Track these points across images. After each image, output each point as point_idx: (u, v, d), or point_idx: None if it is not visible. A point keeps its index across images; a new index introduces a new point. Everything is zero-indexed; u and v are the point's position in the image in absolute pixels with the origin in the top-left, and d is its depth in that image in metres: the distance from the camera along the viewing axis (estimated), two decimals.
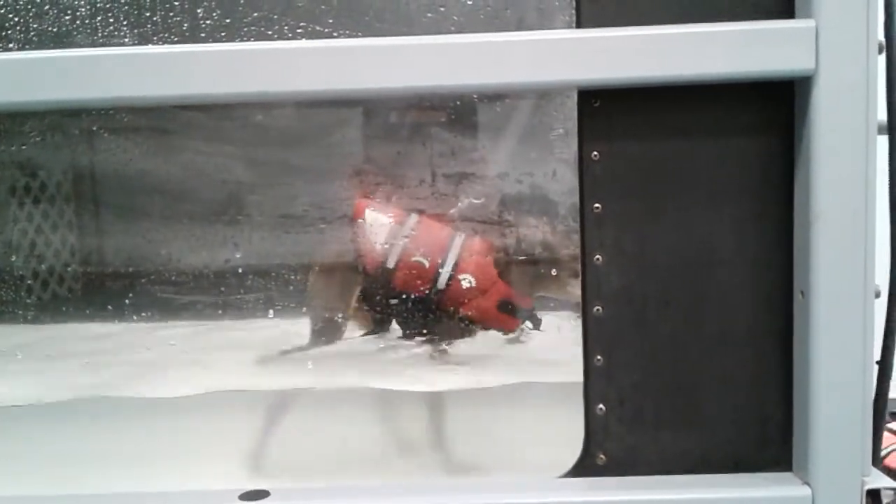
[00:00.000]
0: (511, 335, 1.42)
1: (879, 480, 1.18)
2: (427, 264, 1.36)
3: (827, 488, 1.17)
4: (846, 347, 1.14)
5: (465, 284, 1.36)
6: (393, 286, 1.38)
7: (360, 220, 1.36)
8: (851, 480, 1.17)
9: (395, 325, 1.42)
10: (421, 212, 1.36)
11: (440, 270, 1.36)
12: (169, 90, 1.13)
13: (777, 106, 1.18)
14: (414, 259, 1.36)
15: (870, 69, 1.10)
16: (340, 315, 1.42)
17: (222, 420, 1.39)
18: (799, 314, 1.19)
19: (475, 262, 1.36)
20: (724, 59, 1.10)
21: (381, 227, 1.36)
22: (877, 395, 1.20)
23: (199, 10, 1.22)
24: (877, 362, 1.20)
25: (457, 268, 1.36)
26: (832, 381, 1.15)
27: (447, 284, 1.36)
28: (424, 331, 1.39)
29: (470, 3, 1.23)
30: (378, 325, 1.42)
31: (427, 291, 1.37)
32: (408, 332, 1.41)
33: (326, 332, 1.42)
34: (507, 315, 1.40)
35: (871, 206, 1.12)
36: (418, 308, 1.39)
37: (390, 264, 1.36)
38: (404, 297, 1.38)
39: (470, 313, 1.38)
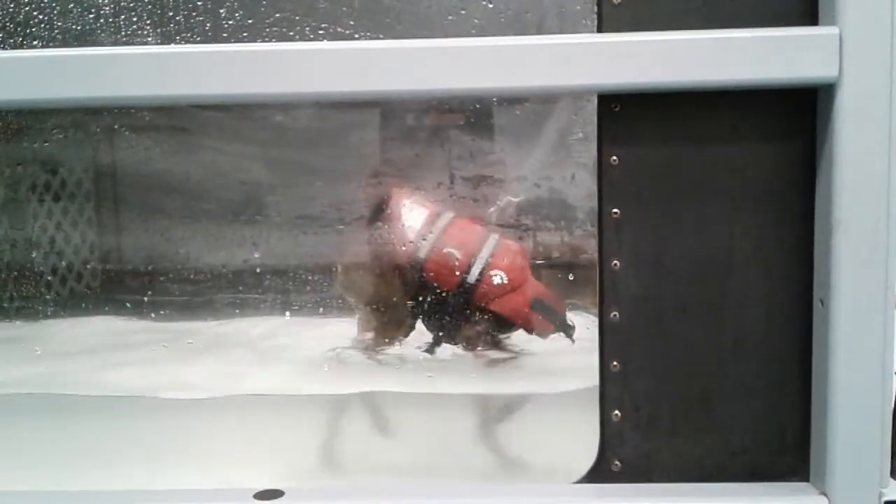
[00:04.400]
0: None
1: None
2: (459, 257, 1.36)
3: (844, 499, 1.16)
4: (865, 357, 1.13)
5: (496, 280, 1.36)
6: (424, 279, 1.38)
7: (393, 214, 1.36)
8: (869, 492, 1.16)
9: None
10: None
11: (471, 267, 1.36)
12: (188, 90, 1.14)
13: (799, 112, 1.17)
14: (445, 250, 1.36)
15: (894, 76, 1.09)
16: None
17: None
18: (818, 323, 1.18)
19: (507, 260, 1.36)
20: (747, 66, 1.10)
21: (415, 221, 1.35)
22: None
23: (221, 11, 1.23)
24: None
25: (489, 264, 1.35)
26: (851, 391, 1.14)
27: (478, 279, 1.35)
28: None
29: (491, 6, 1.23)
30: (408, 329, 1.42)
31: (458, 285, 1.36)
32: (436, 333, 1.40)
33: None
34: (539, 315, 1.39)
35: (892, 215, 1.12)
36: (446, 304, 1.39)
37: (421, 256, 1.36)
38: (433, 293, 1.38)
39: (501, 310, 1.37)
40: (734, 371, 1.22)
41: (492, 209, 1.35)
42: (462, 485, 1.34)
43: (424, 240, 1.36)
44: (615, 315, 1.22)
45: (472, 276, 1.36)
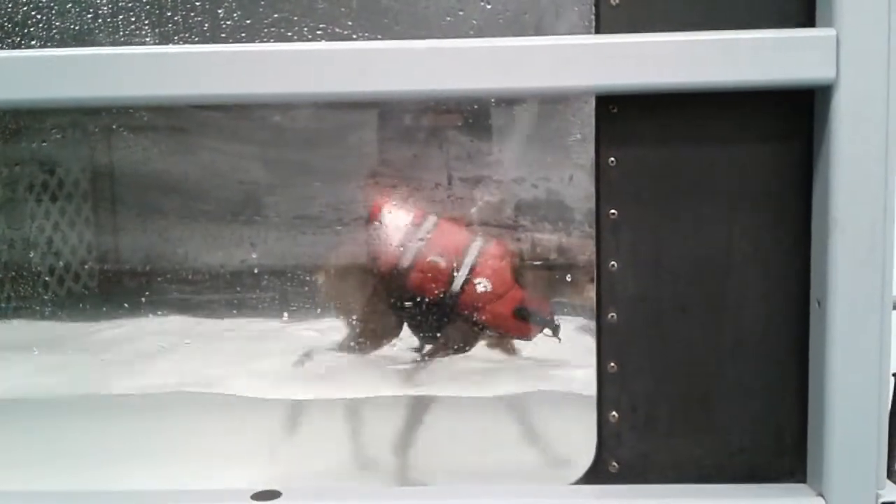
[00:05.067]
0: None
1: (894, 493, 1.16)
2: (443, 265, 1.35)
3: (841, 500, 1.16)
4: (862, 358, 1.13)
5: (480, 289, 1.35)
6: (407, 288, 1.37)
7: (375, 222, 1.36)
8: (866, 493, 1.16)
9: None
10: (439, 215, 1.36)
11: (456, 274, 1.35)
12: (187, 90, 1.13)
13: (796, 114, 1.17)
14: (430, 260, 1.35)
15: (890, 78, 1.09)
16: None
17: None
18: (815, 323, 1.18)
19: (492, 267, 1.36)
20: (744, 67, 1.10)
21: (398, 229, 1.35)
22: (893, 407, 1.19)
23: (219, 11, 1.23)
24: (893, 374, 1.19)
25: (473, 272, 1.35)
26: (848, 392, 1.14)
27: (462, 288, 1.35)
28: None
29: (489, 7, 1.23)
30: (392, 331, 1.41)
31: (442, 294, 1.36)
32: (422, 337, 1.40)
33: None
34: (524, 321, 1.39)
35: (889, 216, 1.12)
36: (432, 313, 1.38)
37: (405, 265, 1.36)
38: (418, 300, 1.38)
39: (486, 318, 1.37)
40: (732, 372, 1.22)
41: (477, 205, 1.35)
42: (459, 486, 1.34)
43: (409, 246, 1.36)
44: (613, 316, 1.22)
45: (456, 286, 1.36)
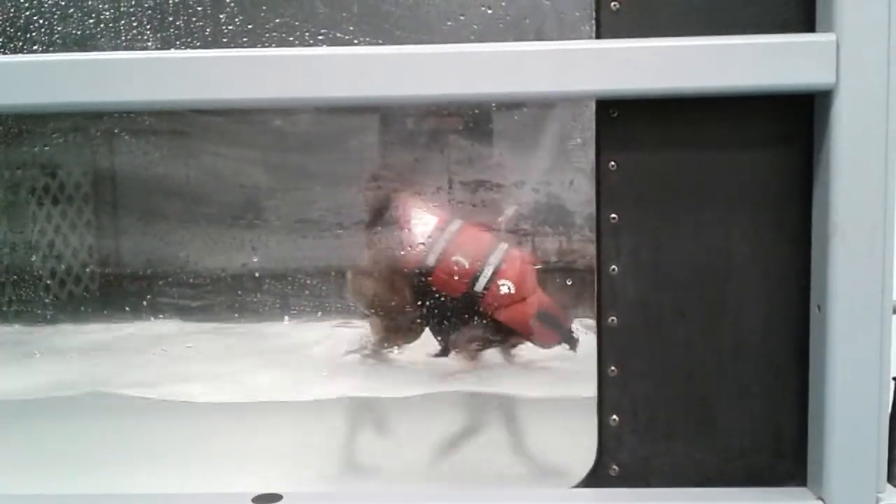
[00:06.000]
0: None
1: (894, 497, 1.17)
2: (467, 265, 1.35)
3: None
4: (862, 362, 1.13)
5: (504, 290, 1.35)
6: (431, 285, 1.37)
7: (404, 221, 1.36)
8: (866, 497, 1.16)
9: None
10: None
11: (479, 274, 1.35)
12: (188, 94, 1.14)
13: (796, 119, 1.17)
14: (454, 258, 1.35)
15: (890, 83, 1.09)
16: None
17: None
18: (815, 328, 1.19)
19: (515, 270, 1.36)
20: (744, 72, 1.10)
21: (426, 229, 1.35)
22: (893, 410, 1.19)
23: (221, 16, 1.24)
24: (893, 378, 1.19)
25: (497, 273, 1.35)
26: (848, 396, 1.14)
27: (486, 288, 1.35)
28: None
29: (490, 11, 1.24)
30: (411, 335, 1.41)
31: (464, 293, 1.36)
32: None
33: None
34: (546, 327, 1.39)
35: (889, 221, 1.12)
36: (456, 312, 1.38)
37: (430, 263, 1.36)
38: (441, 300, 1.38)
39: (507, 320, 1.36)
40: (732, 376, 1.22)
41: (500, 218, 1.35)
42: (459, 489, 1.34)
43: (433, 247, 1.36)
44: (613, 320, 1.22)
45: (480, 286, 1.36)
